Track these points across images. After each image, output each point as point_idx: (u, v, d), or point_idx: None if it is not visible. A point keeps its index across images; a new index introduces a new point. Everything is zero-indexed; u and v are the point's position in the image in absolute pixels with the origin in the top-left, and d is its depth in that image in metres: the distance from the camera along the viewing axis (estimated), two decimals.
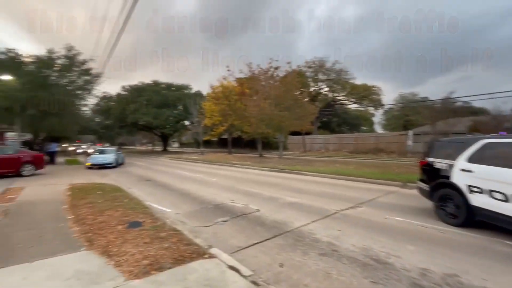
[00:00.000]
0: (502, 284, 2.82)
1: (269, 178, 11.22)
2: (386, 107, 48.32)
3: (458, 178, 4.58)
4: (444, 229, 4.51)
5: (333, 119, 48.97)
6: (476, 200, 4.23)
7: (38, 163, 12.49)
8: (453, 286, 2.78)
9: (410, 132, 25.59)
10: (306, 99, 23.96)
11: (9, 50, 17.04)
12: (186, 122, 40.44)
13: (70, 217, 5.00)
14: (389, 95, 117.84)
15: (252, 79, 23.57)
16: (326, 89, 46.46)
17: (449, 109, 19.64)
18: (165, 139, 47.34)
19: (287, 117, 19.62)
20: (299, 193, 7.71)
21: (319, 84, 45.73)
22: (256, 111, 19.99)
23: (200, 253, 3.32)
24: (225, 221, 5.14)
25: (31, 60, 17.79)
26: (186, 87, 41.86)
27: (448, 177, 4.79)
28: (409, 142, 23.98)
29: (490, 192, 4.02)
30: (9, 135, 25.10)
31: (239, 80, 26.35)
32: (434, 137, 20.65)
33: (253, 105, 20.45)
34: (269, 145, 33.54)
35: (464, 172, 4.49)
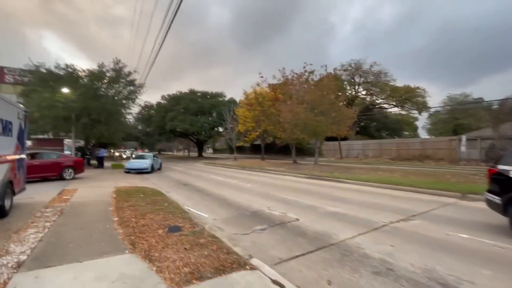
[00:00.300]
0: None
1: (306, 185, 10.78)
2: (432, 110, 44.19)
3: None
4: None
5: (372, 124, 46.29)
6: None
7: (78, 167, 13.19)
8: None
9: (463, 137, 22.98)
10: (342, 103, 22.98)
11: (68, 66, 19.17)
12: (220, 129, 41.51)
13: (115, 219, 5.21)
14: (436, 97, 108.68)
15: (285, 84, 23.37)
16: (364, 92, 44.25)
17: None
18: (200, 145, 49.09)
19: (324, 122, 18.93)
20: (340, 202, 7.20)
21: (356, 87, 43.74)
22: (290, 116, 19.64)
23: (240, 264, 3.14)
24: (263, 229, 4.92)
25: (85, 74, 19.80)
26: (220, 94, 43.14)
27: None
28: (462, 148, 21.50)
29: None
30: (67, 141, 28.17)
31: (272, 86, 26.33)
32: (494, 142, 18.28)
33: (287, 110, 20.14)
34: (302, 151, 32.76)
35: None
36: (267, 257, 3.61)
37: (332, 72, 25.37)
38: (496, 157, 15.30)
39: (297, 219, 5.56)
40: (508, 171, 4.47)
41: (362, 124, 44.48)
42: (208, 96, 42.16)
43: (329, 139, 27.63)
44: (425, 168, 16.78)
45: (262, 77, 27.00)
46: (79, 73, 19.68)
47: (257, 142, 36.96)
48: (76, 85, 18.27)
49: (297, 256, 3.69)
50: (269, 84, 26.66)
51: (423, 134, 52.72)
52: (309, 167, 18.79)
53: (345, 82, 43.12)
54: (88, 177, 13.53)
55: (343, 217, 5.76)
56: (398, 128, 48.72)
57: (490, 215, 5.13)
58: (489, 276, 3.09)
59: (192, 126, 37.29)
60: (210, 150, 73.34)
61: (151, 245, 3.66)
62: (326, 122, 19.05)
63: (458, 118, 40.25)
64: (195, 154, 53.49)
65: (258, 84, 27.68)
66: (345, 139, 32.01)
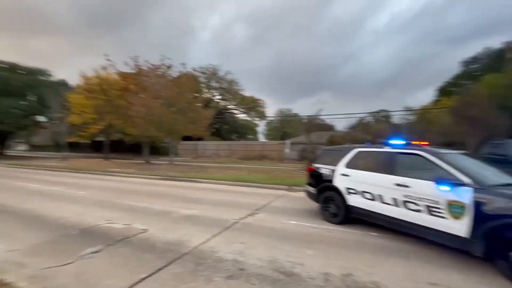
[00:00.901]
0: (385, 274, 3.25)
1: (159, 187, 9.85)
2: (269, 118, 54.72)
3: (339, 182, 5.28)
4: (330, 228, 5.04)
5: (224, 127, 50.63)
6: (352, 200, 4.98)
7: None
8: (352, 286, 2.95)
9: (287, 142, 29.71)
10: (199, 104, 23.31)
11: None
12: (42, 118, 30.98)
13: None
14: (272, 109, 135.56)
15: (139, 74, 20.78)
16: (219, 97, 47.69)
17: (316, 124, 24.23)
18: (2, 140, 34.32)
19: (181, 121, 18.36)
20: (195, 204, 7.00)
21: (212, 91, 46.37)
22: (144, 111, 17.61)
23: None
24: (96, 251, 3.80)
25: None
26: (42, 72, 31.99)
27: (331, 181, 5.46)
28: (287, 150, 27.73)
29: (362, 193, 4.81)
30: None
31: (122, 74, 22.62)
32: (305, 146, 24.73)
33: (140, 104, 17.92)
34: (156, 150, 30.44)
35: (343, 176, 5.23)
36: None
37: (191, 71, 25.32)
38: (307, 157, 20.84)
39: (145, 230, 4.77)
40: (319, 168, 5.92)
41: (216, 126, 47.71)
42: (21, 71, 30.15)
43: (185, 138, 27.39)
44: (263, 166, 20.07)
45: (109, 60, 22.38)
46: None
47: (99, 139, 30.61)
48: None
49: (143, 279, 3.03)
50: (118, 72, 22.72)
51: (261, 138, 64.05)
52: (164, 167, 17.60)
53: (203, 85, 44.67)
54: None
55: (198, 219, 5.56)
56: (244, 132, 56.42)
57: (309, 203, 6.62)
58: (312, 254, 3.81)
59: None
60: (25, 147, 53.21)
61: None
62: (184, 121, 18.63)
63: (285, 127, 52.09)
64: None
65: (104, 68, 22.90)
66: (200, 139, 32.93)
